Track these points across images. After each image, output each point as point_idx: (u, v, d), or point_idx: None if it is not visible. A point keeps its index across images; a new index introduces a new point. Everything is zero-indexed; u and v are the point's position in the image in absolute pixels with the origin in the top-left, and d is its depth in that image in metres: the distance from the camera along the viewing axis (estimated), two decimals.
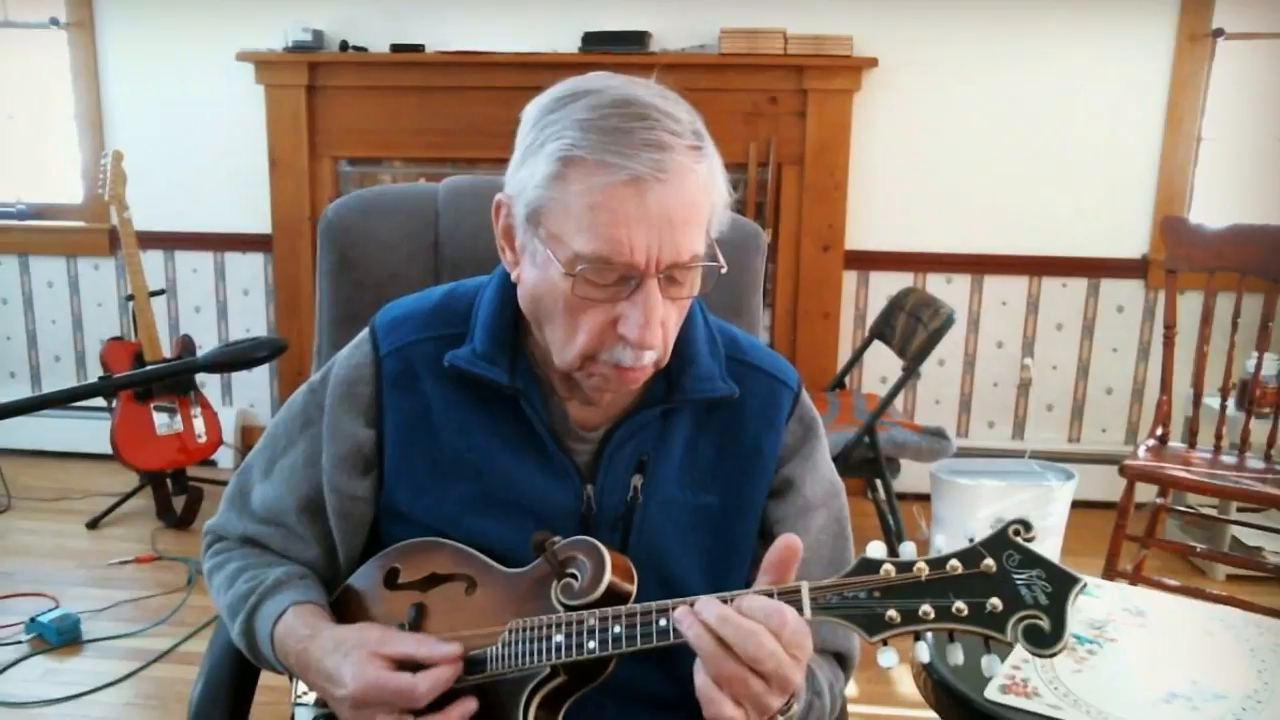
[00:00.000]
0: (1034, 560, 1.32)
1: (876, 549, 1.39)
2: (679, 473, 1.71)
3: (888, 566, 1.37)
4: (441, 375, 1.70)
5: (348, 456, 1.74)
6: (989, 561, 1.32)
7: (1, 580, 4.69)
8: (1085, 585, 1.31)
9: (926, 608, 1.33)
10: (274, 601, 1.71)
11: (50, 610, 4.31)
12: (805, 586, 1.40)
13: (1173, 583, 4.26)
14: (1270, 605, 3.69)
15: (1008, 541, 1.33)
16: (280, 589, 1.72)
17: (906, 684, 3.88)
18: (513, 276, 1.64)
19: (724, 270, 1.56)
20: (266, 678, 1.92)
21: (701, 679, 1.40)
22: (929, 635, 1.36)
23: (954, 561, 1.34)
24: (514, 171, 1.56)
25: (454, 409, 1.71)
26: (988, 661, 1.33)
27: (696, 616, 1.40)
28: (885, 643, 1.36)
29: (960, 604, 1.32)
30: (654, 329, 1.51)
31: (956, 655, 1.34)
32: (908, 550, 1.37)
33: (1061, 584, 1.31)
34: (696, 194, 1.50)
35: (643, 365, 1.55)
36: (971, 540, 1.35)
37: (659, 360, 1.58)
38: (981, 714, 2.11)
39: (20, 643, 4.17)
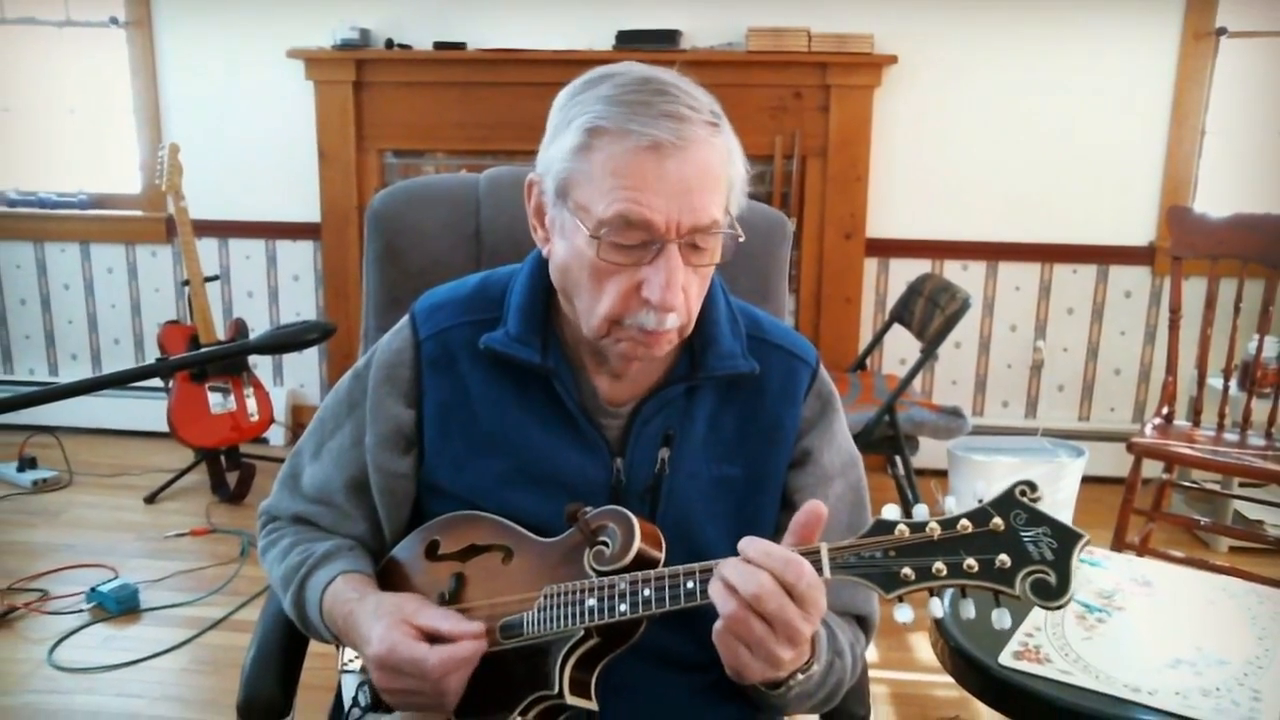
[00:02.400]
0: (1040, 518, 1.34)
1: (891, 511, 1.41)
2: (703, 446, 1.73)
3: (902, 527, 1.38)
4: (478, 357, 1.72)
5: (390, 435, 1.76)
6: (997, 520, 1.34)
7: (63, 552, 4.74)
8: (1088, 540, 1.32)
9: (939, 565, 1.35)
10: (324, 571, 1.73)
11: (110, 580, 4.35)
12: (824, 547, 1.41)
13: (1178, 554, 4.27)
14: (1271, 576, 3.72)
15: (1015, 501, 1.35)
16: (330, 560, 1.75)
17: (924, 650, 3.91)
18: (544, 253, 1.66)
19: (742, 239, 1.57)
20: (315, 646, 1.94)
21: (717, 627, 1.42)
22: (943, 592, 1.40)
23: (964, 521, 1.36)
24: (544, 151, 1.59)
25: (490, 389, 1.73)
26: (998, 615, 1.34)
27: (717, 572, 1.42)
28: (901, 599, 1.37)
29: (971, 561, 1.34)
30: (675, 291, 1.52)
31: (968, 610, 1.35)
32: (920, 512, 1.39)
33: (1066, 540, 1.33)
34: (714, 164, 1.52)
35: (665, 329, 1.56)
36: (980, 501, 1.37)
37: (682, 327, 1.60)
38: (996, 679, 2.13)
39: (81, 611, 4.20)
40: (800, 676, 1.51)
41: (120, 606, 4.20)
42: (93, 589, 4.26)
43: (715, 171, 1.52)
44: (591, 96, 1.53)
